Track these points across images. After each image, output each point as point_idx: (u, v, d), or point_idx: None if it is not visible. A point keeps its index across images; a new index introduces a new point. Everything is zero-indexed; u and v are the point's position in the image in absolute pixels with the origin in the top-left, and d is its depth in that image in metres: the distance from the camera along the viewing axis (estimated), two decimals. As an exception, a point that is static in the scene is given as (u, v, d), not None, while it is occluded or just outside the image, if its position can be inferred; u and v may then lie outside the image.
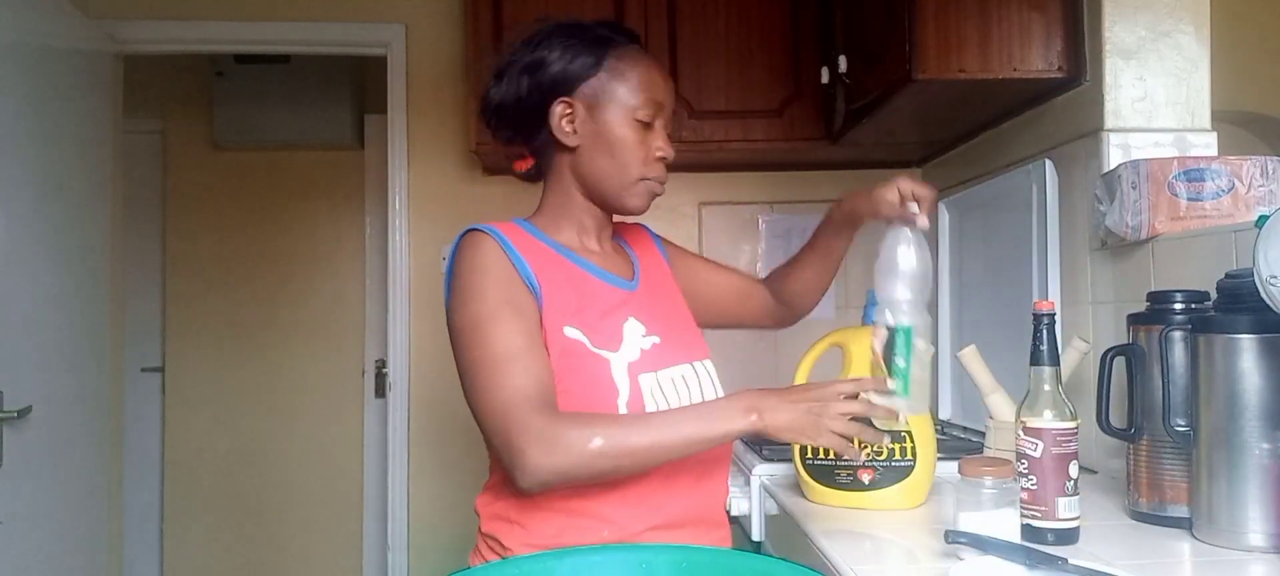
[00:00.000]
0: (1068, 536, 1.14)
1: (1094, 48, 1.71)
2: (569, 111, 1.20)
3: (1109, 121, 1.68)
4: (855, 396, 1.15)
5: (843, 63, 2.12)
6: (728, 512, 1.32)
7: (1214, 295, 1.21)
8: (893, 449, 1.36)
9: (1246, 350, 1.12)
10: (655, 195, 1.24)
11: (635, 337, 1.18)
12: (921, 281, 1.20)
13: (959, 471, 1.13)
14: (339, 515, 3.87)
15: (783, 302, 1.47)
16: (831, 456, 1.38)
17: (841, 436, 1.11)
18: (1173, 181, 1.48)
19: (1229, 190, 1.47)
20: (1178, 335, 1.21)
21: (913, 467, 1.37)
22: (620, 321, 1.18)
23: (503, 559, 1.12)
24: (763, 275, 1.54)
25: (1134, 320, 1.31)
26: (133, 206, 3.32)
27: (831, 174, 2.72)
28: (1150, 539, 1.21)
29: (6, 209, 2.08)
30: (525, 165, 1.28)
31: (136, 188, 3.58)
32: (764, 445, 1.75)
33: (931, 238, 2.60)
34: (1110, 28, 1.68)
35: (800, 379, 1.45)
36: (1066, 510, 1.14)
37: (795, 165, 2.65)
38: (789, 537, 1.40)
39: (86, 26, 2.56)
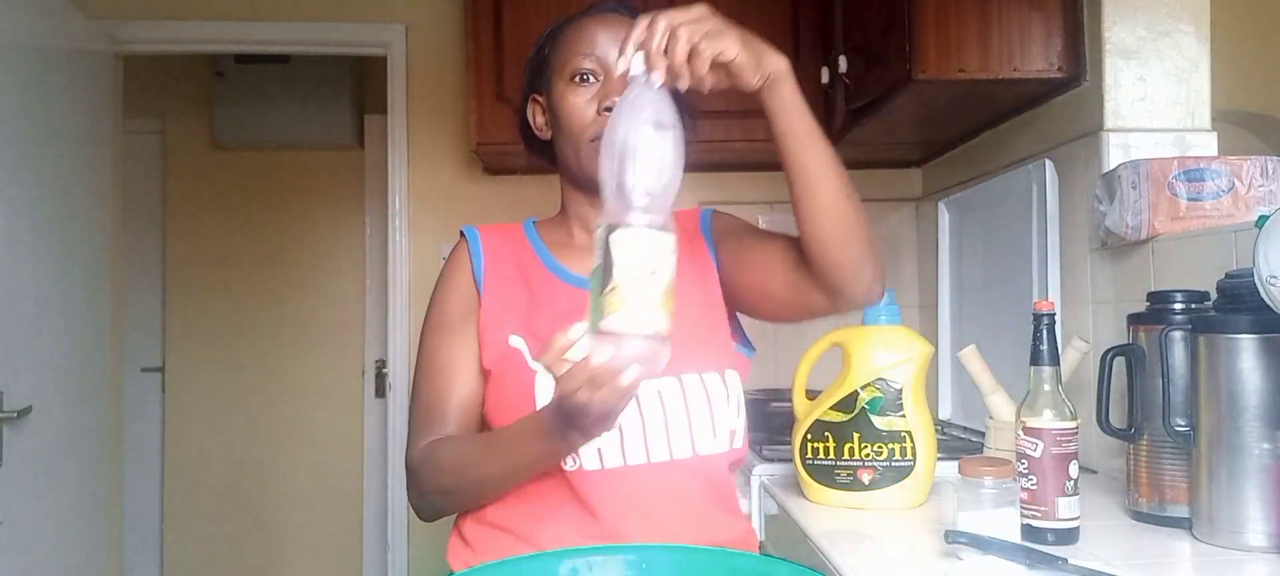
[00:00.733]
0: (1068, 536, 1.14)
1: (1094, 48, 1.71)
2: (537, 104, 1.18)
3: (1109, 121, 1.68)
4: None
5: (843, 63, 2.12)
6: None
7: (1214, 295, 1.21)
8: (893, 449, 1.36)
9: (1246, 350, 1.12)
10: None
11: None
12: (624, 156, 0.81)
13: (959, 471, 1.13)
14: (339, 515, 3.87)
15: (812, 266, 1.03)
16: (833, 456, 1.38)
17: (608, 407, 0.83)
18: (1173, 181, 1.48)
19: (1229, 190, 1.47)
20: (1178, 335, 1.21)
21: (913, 467, 1.37)
22: None
23: (503, 559, 1.12)
24: None
25: (1134, 320, 1.31)
26: (133, 206, 3.32)
27: (831, 174, 2.72)
28: (1150, 539, 1.21)
29: (6, 209, 2.08)
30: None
31: (136, 188, 3.58)
32: (764, 444, 1.75)
33: (931, 237, 2.63)
34: (1110, 28, 1.68)
35: (800, 382, 1.45)
36: (1066, 510, 1.14)
37: (795, 165, 2.65)
38: (789, 537, 1.40)
39: (86, 26, 2.56)
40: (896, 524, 1.32)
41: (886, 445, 1.36)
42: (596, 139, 1.06)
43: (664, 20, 0.84)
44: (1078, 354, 1.65)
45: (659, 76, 0.82)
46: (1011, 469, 1.13)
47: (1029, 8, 1.76)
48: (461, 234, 1.18)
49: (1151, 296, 1.30)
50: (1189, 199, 1.48)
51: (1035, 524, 1.14)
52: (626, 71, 0.84)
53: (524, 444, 0.98)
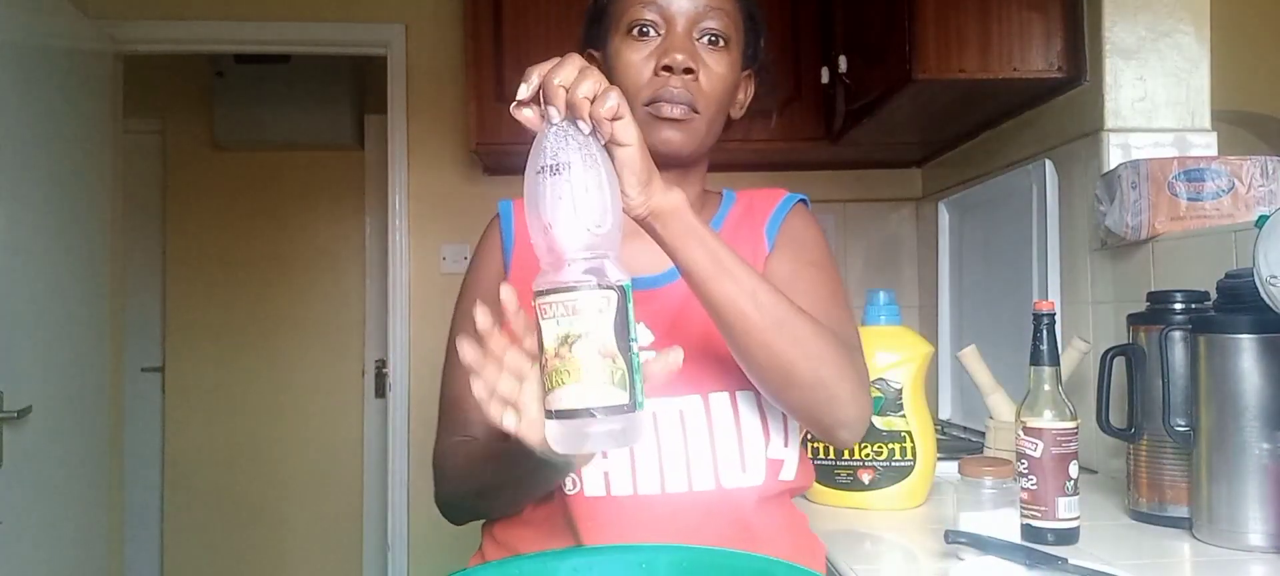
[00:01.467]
0: (1068, 536, 1.14)
1: (1094, 48, 1.71)
2: (593, 62, 1.01)
3: (1109, 121, 1.68)
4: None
5: (843, 63, 2.12)
6: None
7: (1214, 295, 1.21)
8: (893, 449, 1.36)
9: (1246, 350, 1.12)
10: (676, 124, 0.94)
11: None
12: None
13: (959, 471, 1.13)
14: (339, 515, 3.87)
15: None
16: (833, 455, 1.38)
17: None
18: (1173, 181, 1.48)
19: (1229, 190, 1.47)
20: (1178, 335, 1.21)
21: (913, 467, 1.37)
22: None
23: (503, 558, 1.11)
24: None
25: (1134, 320, 1.31)
26: (133, 206, 3.32)
27: (831, 174, 2.72)
28: (1150, 539, 1.21)
29: (6, 209, 2.08)
30: None
31: (136, 188, 3.58)
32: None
33: (932, 237, 2.63)
34: (1110, 28, 1.68)
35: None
36: (1066, 510, 1.14)
37: (795, 165, 2.65)
38: (789, 537, 1.40)
39: (86, 26, 2.56)
40: (896, 524, 1.32)
41: (886, 445, 1.36)
42: (652, 103, 0.94)
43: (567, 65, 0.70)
44: (1078, 354, 1.65)
45: (555, 113, 0.69)
46: (1011, 469, 1.13)
47: (1029, 8, 1.76)
48: (497, 209, 1.07)
49: (1151, 296, 1.30)
50: (1189, 199, 1.48)
51: (1035, 524, 1.14)
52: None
53: (518, 458, 0.79)
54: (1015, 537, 1.10)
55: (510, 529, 0.99)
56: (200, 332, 3.91)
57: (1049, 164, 1.83)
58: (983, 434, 1.75)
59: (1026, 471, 1.15)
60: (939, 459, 1.42)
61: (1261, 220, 1.05)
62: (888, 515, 1.35)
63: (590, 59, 1.02)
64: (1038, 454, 1.14)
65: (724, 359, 0.90)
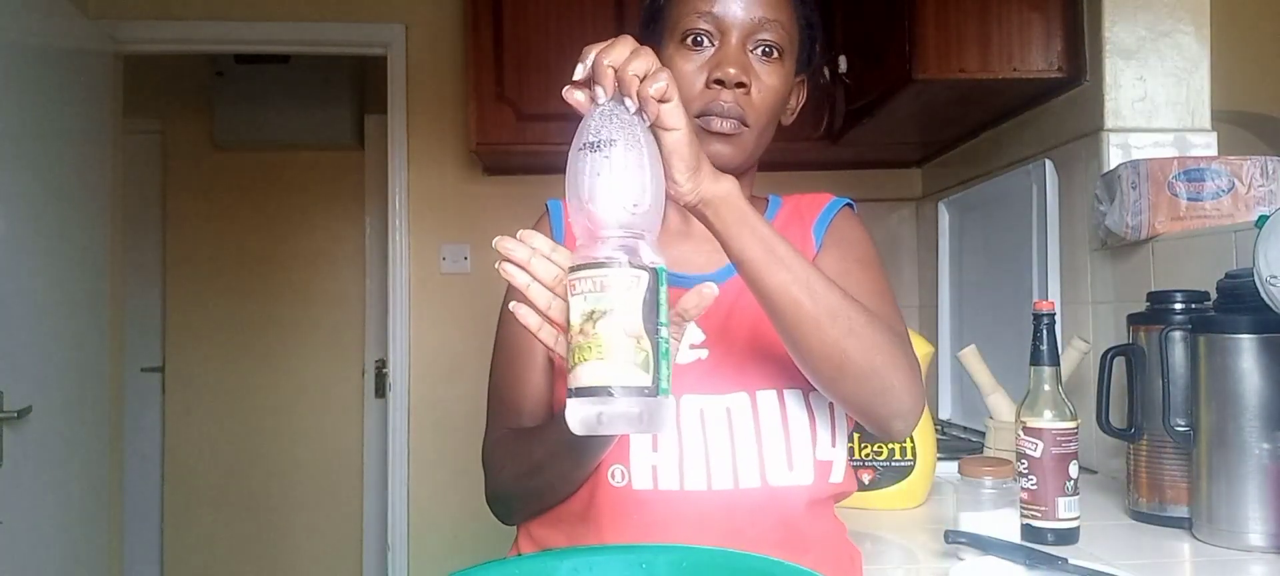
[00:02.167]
0: (1068, 536, 1.14)
1: (1094, 48, 1.71)
2: None
3: (1109, 121, 1.68)
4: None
5: (843, 63, 2.13)
6: None
7: (1214, 295, 1.21)
8: (893, 449, 1.36)
9: (1246, 350, 1.12)
10: (726, 138, 0.93)
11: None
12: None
13: (959, 471, 1.13)
14: (339, 515, 3.87)
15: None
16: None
17: None
18: (1173, 181, 1.48)
19: (1229, 190, 1.47)
20: (1178, 335, 1.21)
21: (912, 467, 1.37)
22: None
23: (503, 558, 1.11)
24: None
25: (1134, 320, 1.31)
26: (133, 206, 3.32)
27: (831, 174, 2.72)
28: (1150, 539, 1.21)
29: (6, 209, 2.08)
30: None
31: (136, 188, 3.58)
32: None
33: (932, 237, 2.63)
34: (1110, 28, 1.68)
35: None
36: (1066, 510, 1.14)
37: (795, 165, 2.65)
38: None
39: (86, 26, 2.56)
40: (896, 524, 1.32)
41: (886, 445, 1.36)
42: (702, 116, 0.92)
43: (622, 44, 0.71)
44: (1078, 354, 1.65)
45: (602, 92, 0.69)
46: (1011, 469, 1.13)
47: (1029, 8, 1.76)
48: (546, 208, 1.06)
49: (1151, 296, 1.30)
50: (1189, 199, 1.48)
51: (1035, 524, 1.14)
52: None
53: (561, 422, 0.76)
54: (1015, 537, 1.10)
55: (545, 527, 0.98)
56: (200, 332, 3.91)
57: (1049, 164, 1.83)
58: (983, 434, 1.75)
59: (1026, 471, 1.15)
60: (939, 459, 1.42)
61: (1261, 220, 1.05)
62: (888, 515, 1.35)
63: None
64: (1038, 454, 1.14)
65: (773, 357, 0.91)
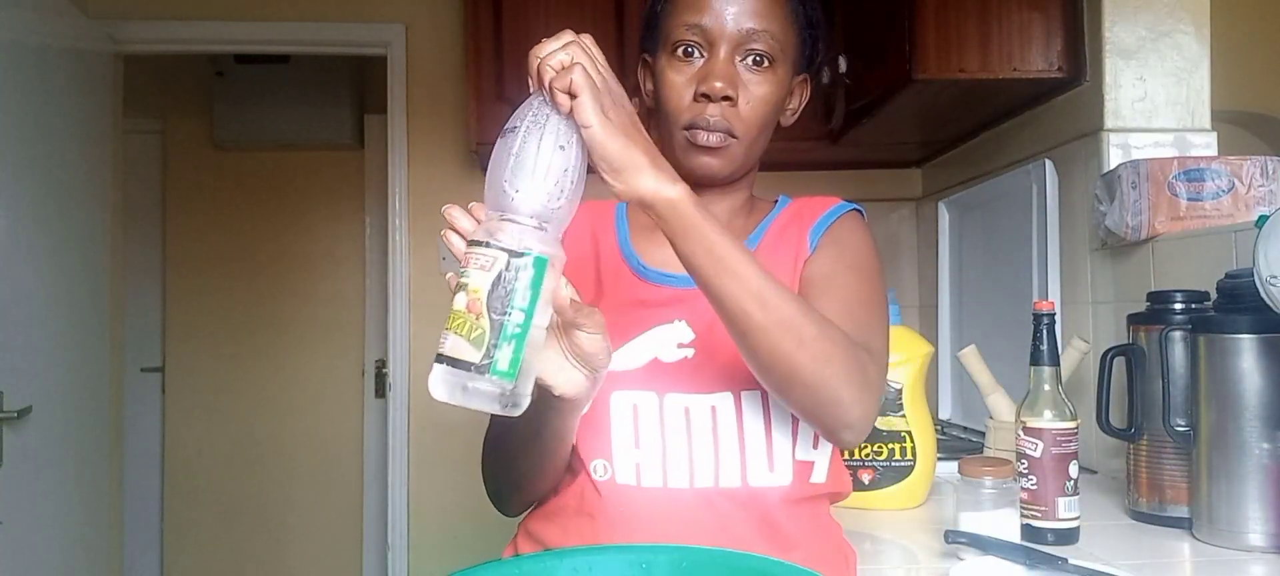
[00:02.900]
0: (1068, 536, 1.14)
1: (1094, 48, 1.71)
2: (647, 67, 1.01)
3: (1109, 121, 1.68)
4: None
5: (843, 63, 2.12)
6: None
7: (1214, 295, 1.21)
8: (893, 449, 1.36)
9: (1246, 350, 1.12)
10: (712, 152, 0.94)
11: (656, 346, 0.95)
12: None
13: (959, 471, 1.13)
14: (339, 515, 3.87)
15: None
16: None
17: None
18: (1173, 181, 1.48)
19: (1229, 190, 1.47)
20: (1178, 335, 1.21)
21: (912, 467, 1.37)
22: (646, 323, 0.96)
23: (503, 559, 1.11)
24: None
25: (1134, 320, 1.31)
26: (133, 206, 3.32)
27: (831, 174, 2.72)
28: (1150, 539, 1.21)
29: (6, 209, 2.08)
30: None
31: (136, 188, 3.58)
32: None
33: (932, 237, 2.63)
34: (1110, 28, 1.68)
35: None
36: (1066, 510, 1.14)
37: (795, 165, 2.65)
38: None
39: (86, 26, 2.56)
40: (896, 524, 1.32)
41: (886, 445, 1.36)
42: (689, 129, 0.93)
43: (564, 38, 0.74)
44: (1078, 354, 1.65)
45: (531, 83, 0.73)
46: (1011, 469, 1.13)
47: (1029, 8, 1.76)
48: None
49: (1151, 296, 1.30)
50: (1189, 199, 1.48)
51: (1035, 524, 1.14)
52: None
53: (538, 405, 0.81)
54: (1015, 537, 1.10)
55: (541, 522, 0.99)
56: (200, 332, 3.91)
57: (1049, 164, 1.83)
58: (983, 434, 1.75)
59: (1026, 471, 1.15)
60: (939, 459, 1.42)
61: (1261, 220, 1.05)
62: (888, 515, 1.35)
63: (644, 64, 1.02)
64: (1038, 454, 1.14)
65: None
